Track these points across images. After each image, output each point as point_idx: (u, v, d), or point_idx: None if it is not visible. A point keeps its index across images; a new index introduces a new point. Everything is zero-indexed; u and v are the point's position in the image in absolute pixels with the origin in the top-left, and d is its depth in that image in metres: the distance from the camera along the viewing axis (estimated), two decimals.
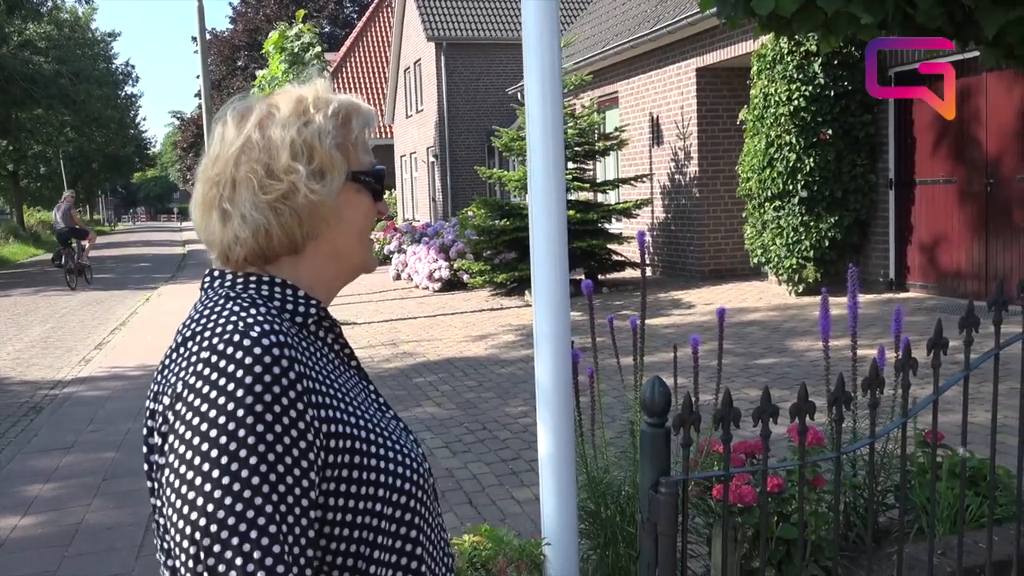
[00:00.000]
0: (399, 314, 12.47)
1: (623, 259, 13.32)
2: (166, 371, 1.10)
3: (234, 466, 0.98)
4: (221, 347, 1.03)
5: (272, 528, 0.98)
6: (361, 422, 1.13)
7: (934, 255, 10.02)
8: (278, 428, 1.01)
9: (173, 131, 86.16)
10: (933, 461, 2.49)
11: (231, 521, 0.97)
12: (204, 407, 1.00)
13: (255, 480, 0.98)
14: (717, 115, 12.98)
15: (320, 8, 47.12)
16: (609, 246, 13.11)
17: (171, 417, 1.04)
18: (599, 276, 13.29)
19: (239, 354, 1.02)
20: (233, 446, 0.98)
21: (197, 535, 0.97)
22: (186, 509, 0.98)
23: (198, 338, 1.07)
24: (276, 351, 1.03)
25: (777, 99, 10.33)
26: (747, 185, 11.05)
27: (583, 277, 12.37)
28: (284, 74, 13.29)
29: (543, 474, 3.03)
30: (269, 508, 0.98)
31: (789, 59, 10.26)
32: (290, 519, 1.00)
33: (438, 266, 14.92)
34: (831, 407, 2.20)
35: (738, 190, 11.52)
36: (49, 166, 47.89)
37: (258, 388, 1.01)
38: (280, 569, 0.97)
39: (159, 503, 1.08)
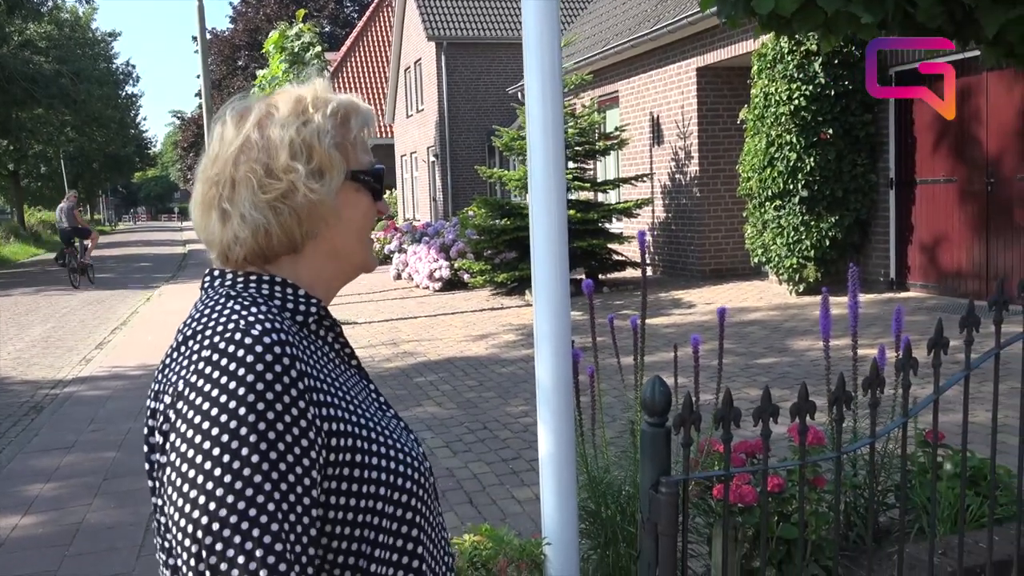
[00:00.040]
0: (400, 314, 12.47)
1: (623, 259, 13.31)
2: (167, 370, 1.10)
3: (236, 464, 0.98)
4: (222, 345, 1.03)
5: (274, 526, 0.98)
6: (362, 421, 1.13)
7: (935, 255, 10.01)
8: (280, 426, 1.01)
9: (173, 131, 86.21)
10: (934, 461, 2.49)
11: (233, 519, 0.96)
12: (206, 405, 1.00)
13: (257, 478, 0.98)
14: (717, 114, 12.97)
15: (320, 8, 47.12)
16: (609, 246, 13.11)
17: (172, 416, 1.04)
18: (599, 276, 13.29)
19: (240, 352, 1.02)
20: (235, 444, 0.98)
21: (199, 533, 0.97)
22: (188, 507, 0.98)
23: (199, 337, 1.07)
24: (277, 349, 1.03)
25: (777, 98, 10.33)
26: (747, 185, 11.04)
27: (583, 277, 12.37)
28: (284, 74, 13.29)
29: (543, 474, 3.03)
30: (271, 506, 0.98)
31: (789, 58, 10.26)
32: (292, 517, 1.00)
33: (438, 266, 14.92)
34: (831, 407, 2.20)
35: (738, 190, 11.52)
36: (50, 166, 47.91)
37: (260, 386, 1.01)
38: (282, 567, 0.97)
39: (160, 502, 1.08)
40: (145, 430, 1.12)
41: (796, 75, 10.21)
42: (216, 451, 0.98)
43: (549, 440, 2.98)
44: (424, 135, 27.68)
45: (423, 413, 6.74)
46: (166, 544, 1.09)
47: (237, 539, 0.96)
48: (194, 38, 45.17)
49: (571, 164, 13.52)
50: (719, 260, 13.20)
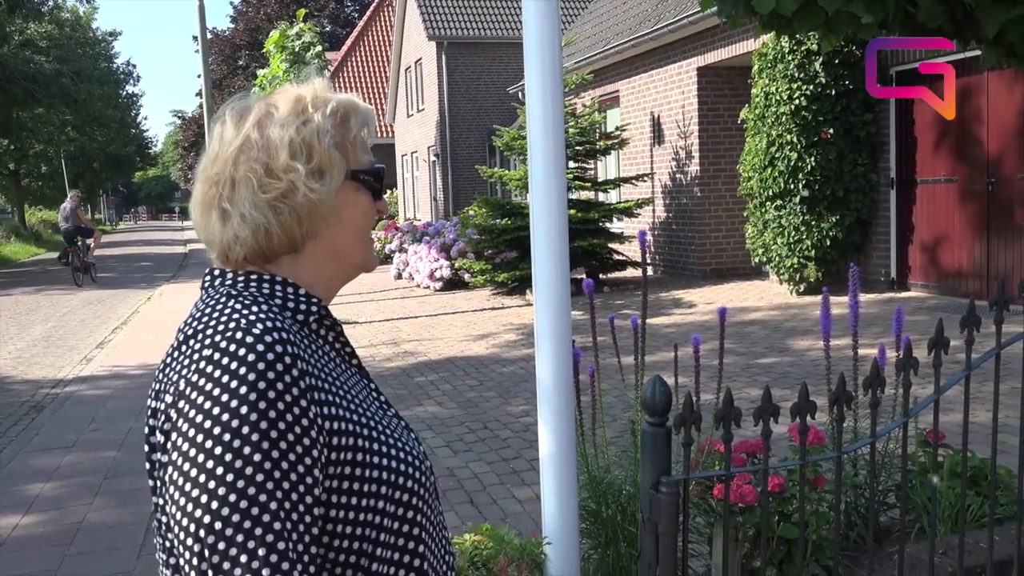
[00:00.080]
0: (400, 313, 12.47)
1: (624, 258, 13.31)
2: (168, 369, 1.10)
3: (238, 463, 0.98)
4: (224, 344, 1.03)
5: (277, 525, 0.98)
6: (363, 420, 1.13)
7: (935, 254, 10.01)
8: (282, 425, 1.01)
9: (174, 130, 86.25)
10: (934, 461, 2.49)
11: (236, 518, 0.97)
12: (208, 404, 1.00)
13: (259, 477, 0.98)
14: (718, 114, 12.97)
15: (321, 7, 47.12)
16: (610, 245, 13.11)
17: (174, 415, 1.04)
18: (600, 275, 13.29)
19: (242, 351, 1.02)
20: (237, 443, 0.98)
21: (201, 532, 0.97)
22: (190, 506, 0.98)
23: (200, 336, 1.07)
24: (279, 348, 1.03)
25: (778, 98, 10.33)
26: (748, 184, 11.04)
27: (584, 276, 12.37)
28: (285, 73, 13.29)
29: (544, 473, 3.03)
30: (274, 505, 0.98)
31: (790, 58, 10.26)
32: (294, 516, 1.00)
33: (439, 265, 14.92)
34: (832, 406, 2.20)
35: (739, 189, 11.52)
36: (50, 165, 47.91)
37: (261, 385, 1.01)
38: (285, 566, 0.97)
39: (161, 501, 1.08)
40: (146, 429, 1.12)
41: (797, 75, 10.20)
42: (218, 450, 0.98)
43: (550, 439, 2.98)
44: (425, 135, 27.68)
45: (424, 412, 6.74)
46: (167, 544, 1.09)
47: (240, 538, 0.96)
48: (195, 38, 45.17)
49: (572, 164, 13.52)
50: (720, 260, 13.20)
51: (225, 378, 1.01)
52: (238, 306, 1.09)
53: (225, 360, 1.02)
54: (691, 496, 2.84)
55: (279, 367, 1.02)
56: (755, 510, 2.86)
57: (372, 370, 8.11)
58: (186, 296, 14.90)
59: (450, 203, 25.43)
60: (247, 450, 0.98)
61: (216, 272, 1.19)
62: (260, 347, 1.03)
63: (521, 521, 4.38)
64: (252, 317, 1.07)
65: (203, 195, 1.17)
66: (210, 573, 0.96)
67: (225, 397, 1.00)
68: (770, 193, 10.62)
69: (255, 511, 0.97)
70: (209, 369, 1.02)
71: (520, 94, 16.81)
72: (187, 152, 63.12)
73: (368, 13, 37.22)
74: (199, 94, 47.28)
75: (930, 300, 9.69)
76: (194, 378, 1.03)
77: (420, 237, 17.23)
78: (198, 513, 0.97)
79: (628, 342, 3.46)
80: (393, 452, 1.14)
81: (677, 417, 2.05)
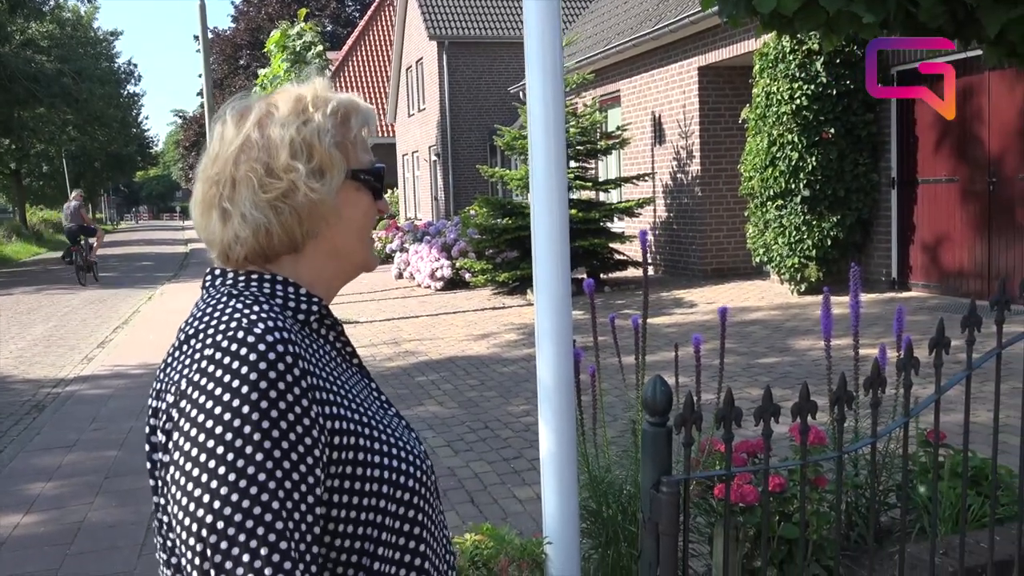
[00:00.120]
0: (401, 313, 12.47)
1: (625, 258, 13.31)
2: (169, 369, 1.10)
3: (240, 462, 0.98)
4: (225, 344, 1.03)
5: (279, 524, 0.98)
6: (364, 419, 1.13)
7: (936, 254, 10.01)
8: (283, 424, 1.01)
9: (175, 130, 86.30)
10: (935, 461, 2.49)
11: (238, 518, 0.97)
12: (209, 404, 1.00)
13: (261, 476, 0.98)
14: (719, 114, 12.97)
15: (322, 7, 47.12)
16: (611, 245, 13.11)
17: (175, 414, 1.04)
18: (601, 275, 13.29)
19: (243, 351, 1.02)
20: (239, 442, 0.98)
21: (204, 532, 0.97)
22: (192, 506, 0.98)
23: (201, 335, 1.07)
24: (280, 347, 1.03)
25: (779, 98, 10.33)
26: (749, 184, 11.04)
27: (585, 276, 12.37)
28: (286, 73, 13.30)
29: (545, 473, 3.03)
30: (276, 504, 0.98)
31: (791, 58, 10.25)
32: (296, 516, 1.00)
33: (440, 265, 14.92)
34: (833, 406, 2.20)
35: (740, 189, 11.52)
36: (52, 165, 47.92)
37: (263, 384, 1.01)
38: (287, 565, 0.97)
39: (162, 501, 1.08)
40: (147, 429, 1.12)
41: (798, 74, 10.20)
42: (220, 449, 0.98)
43: (550, 439, 2.98)
44: (426, 134, 27.68)
45: (424, 412, 6.74)
46: (168, 543, 1.09)
47: (242, 537, 0.96)
48: (196, 37, 45.21)
49: (573, 163, 13.52)
50: (721, 260, 13.20)
51: (227, 377, 1.01)
52: (239, 306, 1.09)
53: (227, 360, 1.02)
54: (692, 496, 2.84)
55: (280, 367, 1.02)
56: (756, 510, 2.86)
57: (373, 369, 8.11)
58: (187, 296, 14.90)
59: (451, 203, 25.44)
60: (249, 449, 0.98)
61: (217, 272, 1.19)
62: (262, 347, 1.03)
63: (522, 521, 4.38)
64: (253, 317, 1.07)
65: (204, 195, 1.17)
66: (212, 572, 0.96)
67: (227, 396, 1.00)
68: (771, 193, 10.62)
69: (257, 510, 0.97)
70: (211, 369, 1.02)
71: (521, 94, 16.81)
72: (188, 152, 63.18)
73: (369, 13, 37.22)
74: (200, 94, 47.33)
75: (931, 300, 9.69)
76: (196, 377, 1.03)
77: (421, 237, 17.23)
78: (200, 512, 0.97)
79: (629, 342, 3.46)
80: (394, 452, 1.15)
81: (678, 417, 2.05)
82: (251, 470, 0.98)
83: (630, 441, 3.46)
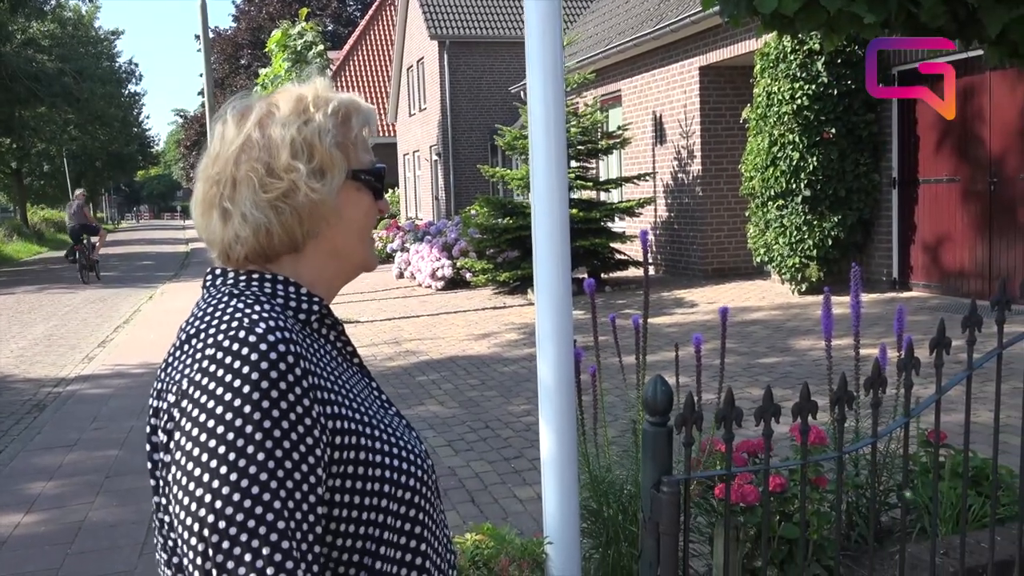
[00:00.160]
0: (402, 312, 12.47)
1: (626, 258, 13.31)
2: (170, 368, 1.10)
3: (242, 462, 0.98)
4: (227, 344, 1.03)
5: (281, 524, 0.98)
6: (365, 418, 1.13)
7: (937, 254, 10.01)
8: (285, 424, 1.01)
9: (176, 129, 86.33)
10: (935, 461, 2.49)
11: (240, 517, 0.97)
12: (211, 403, 1.00)
13: (263, 476, 0.98)
14: (720, 114, 12.97)
15: (323, 6, 47.13)
16: (612, 245, 13.11)
17: (177, 414, 1.04)
18: (602, 275, 13.29)
19: (245, 350, 1.02)
20: (241, 442, 0.98)
21: (206, 531, 0.97)
22: (194, 506, 0.98)
23: (203, 335, 1.07)
24: (282, 347, 1.03)
25: (780, 98, 10.32)
26: (750, 184, 11.04)
27: (586, 276, 12.37)
28: (287, 72, 13.31)
29: (545, 473, 3.03)
30: (277, 504, 0.98)
31: (792, 58, 10.25)
32: (298, 515, 1.00)
33: (441, 264, 14.92)
34: (833, 406, 2.20)
35: (741, 189, 11.52)
36: (53, 164, 47.94)
37: (265, 384, 1.01)
38: (289, 565, 0.97)
39: (164, 501, 1.08)
40: (148, 429, 1.12)
41: (799, 74, 10.20)
42: (222, 449, 0.98)
43: (551, 439, 2.98)
44: (426, 134, 27.68)
45: (425, 412, 6.74)
46: (169, 543, 1.10)
47: (244, 537, 0.96)
48: (197, 37, 45.19)
49: (573, 163, 13.52)
50: (721, 259, 13.20)
51: (228, 377, 1.01)
52: (240, 305, 1.09)
53: (228, 359, 1.02)
54: (692, 496, 2.84)
55: (282, 366, 1.02)
56: (756, 510, 2.86)
57: (374, 369, 8.11)
58: (188, 295, 14.91)
59: (452, 202, 25.44)
60: (251, 449, 0.98)
61: (217, 271, 1.19)
62: (263, 346, 1.03)
63: (522, 520, 4.38)
64: (255, 316, 1.07)
65: (204, 194, 1.17)
66: (214, 572, 0.96)
67: (228, 396, 1.00)
68: (772, 193, 10.62)
69: (259, 510, 0.97)
70: (212, 368, 1.02)
71: (522, 93, 16.81)
72: (189, 151, 63.17)
73: (370, 12, 37.21)
74: (201, 93, 47.34)
75: (932, 300, 9.68)
76: (197, 377, 1.03)
77: (422, 236, 17.23)
78: (202, 512, 0.97)
79: (629, 342, 3.46)
80: (395, 451, 1.15)
81: (678, 417, 2.05)
82: (253, 469, 0.98)
83: (631, 441, 3.46)
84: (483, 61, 25.32)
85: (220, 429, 0.99)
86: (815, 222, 10.37)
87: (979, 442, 4.13)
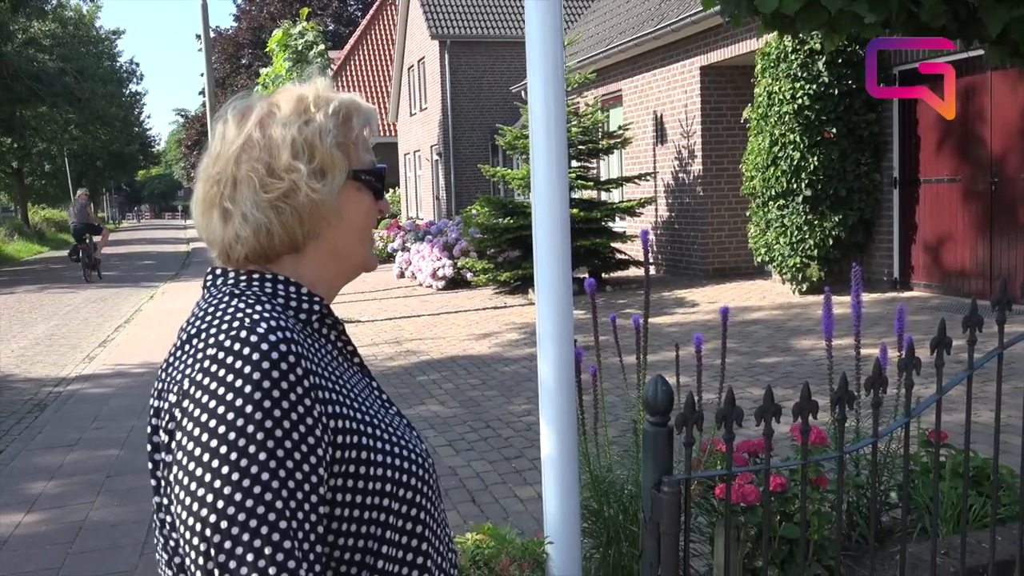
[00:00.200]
0: (403, 312, 12.47)
1: (627, 258, 13.31)
2: (171, 368, 1.10)
3: (244, 462, 0.98)
4: (228, 343, 1.03)
5: (283, 524, 0.98)
6: (366, 419, 1.13)
7: (938, 254, 10.00)
8: (287, 424, 1.01)
9: (177, 129, 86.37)
10: (936, 461, 2.49)
11: (242, 517, 0.97)
12: (212, 403, 1.01)
13: (265, 476, 0.98)
14: (721, 113, 12.96)
15: (324, 6, 47.13)
16: (613, 244, 13.11)
17: (178, 414, 1.04)
18: (603, 275, 13.29)
19: (246, 350, 1.02)
20: (242, 442, 0.99)
21: (208, 531, 0.97)
22: (196, 506, 0.98)
23: (204, 335, 1.07)
24: (283, 347, 1.03)
25: (781, 97, 10.32)
26: (751, 184, 11.03)
27: (586, 275, 12.37)
28: (288, 72, 13.31)
29: (546, 473, 3.03)
30: (279, 504, 0.98)
31: (793, 57, 10.25)
32: (300, 515, 1.00)
33: (442, 264, 14.92)
34: (834, 406, 2.20)
35: (742, 189, 11.51)
36: (54, 164, 47.95)
37: (266, 384, 1.01)
38: (291, 564, 0.97)
39: (166, 501, 1.08)
40: (148, 429, 1.12)
41: (800, 74, 10.19)
42: (224, 449, 0.98)
43: (551, 439, 2.98)
44: (427, 133, 27.69)
45: (426, 412, 6.74)
46: (170, 544, 1.10)
47: (246, 536, 0.96)
48: (198, 36, 45.18)
49: (574, 163, 13.52)
50: (722, 259, 13.20)
51: (230, 377, 1.01)
52: (241, 305, 1.09)
53: (230, 359, 1.02)
54: (693, 496, 2.84)
55: (283, 366, 1.02)
56: (757, 510, 2.86)
57: (374, 369, 8.11)
58: (188, 295, 14.92)
59: (452, 202, 25.44)
60: (252, 449, 0.98)
61: (218, 271, 1.19)
62: (264, 346, 1.03)
63: (523, 520, 4.38)
64: (256, 316, 1.07)
65: (205, 194, 1.18)
66: (216, 572, 0.96)
67: (230, 396, 1.00)
68: (773, 192, 10.61)
69: (261, 509, 0.97)
70: (214, 368, 1.02)
71: (523, 93, 16.81)
72: (190, 151, 63.18)
73: (371, 12, 37.22)
74: (202, 93, 47.35)
75: (933, 300, 9.68)
76: (199, 377, 1.03)
77: (422, 236, 17.23)
78: (204, 512, 0.97)
79: (630, 341, 3.46)
80: (397, 451, 1.15)
81: (679, 417, 2.05)
82: (254, 469, 0.98)
83: (631, 441, 3.46)
84: (484, 61, 25.32)
85: (222, 429, 0.99)
86: (816, 222, 10.36)
87: (980, 442, 4.13)
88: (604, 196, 14.86)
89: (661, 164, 14.08)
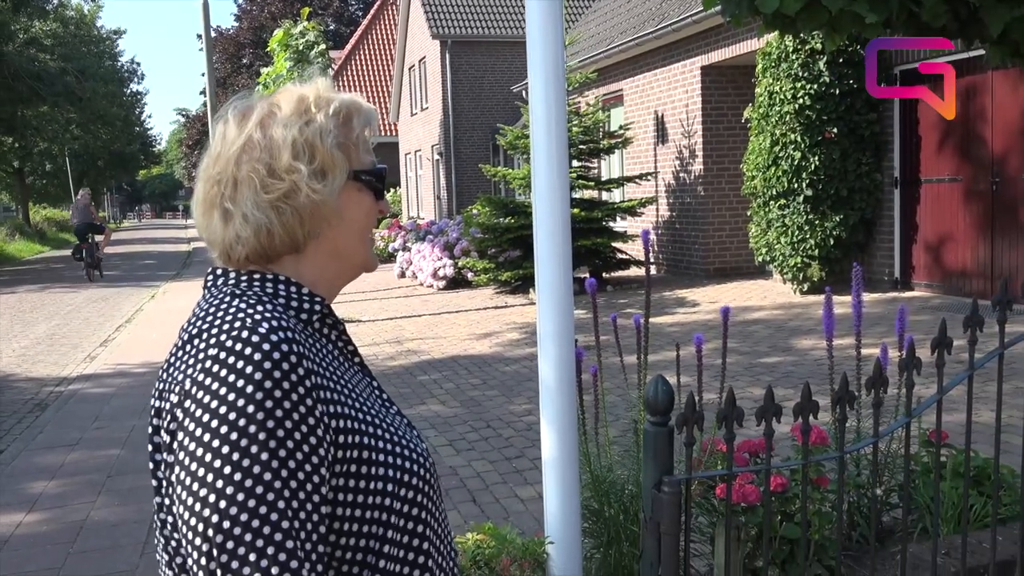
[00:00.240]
0: (403, 312, 12.48)
1: (627, 257, 13.30)
2: (172, 369, 1.10)
3: (246, 462, 0.98)
4: (230, 344, 1.03)
5: (285, 524, 0.98)
6: (368, 417, 1.13)
7: (939, 254, 10.00)
8: (289, 424, 1.01)
9: (178, 128, 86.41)
10: (937, 461, 2.49)
11: (244, 517, 0.97)
12: (215, 403, 1.01)
13: (267, 476, 0.98)
14: (722, 113, 12.96)
15: (325, 6, 47.14)
16: (613, 244, 13.10)
17: (180, 414, 1.04)
18: (603, 274, 13.28)
19: (248, 350, 1.02)
20: (245, 442, 0.99)
21: (210, 531, 0.97)
22: (198, 506, 0.98)
23: (205, 335, 1.07)
24: (285, 347, 1.04)
25: (782, 97, 10.32)
26: (752, 183, 11.03)
27: (587, 275, 12.38)
28: (289, 72, 13.32)
29: (546, 473, 3.03)
30: (281, 504, 0.98)
31: (794, 57, 10.25)
32: (302, 515, 1.00)
33: (442, 264, 14.92)
34: (835, 406, 2.19)
35: (743, 188, 11.51)
36: (55, 163, 47.96)
37: (268, 384, 1.01)
38: (294, 564, 0.97)
39: (167, 501, 1.08)
40: (150, 429, 1.12)
41: (801, 74, 10.19)
42: (226, 449, 0.99)
43: (552, 439, 2.98)
44: (428, 133, 27.69)
45: (426, 411, 6.74)
46: (171, 544, 1.10)
47: (249, 536, 0.96)
48: (199, 36, 45.17)
49: (575, 163, 13.52)
50: (723, 259, 13.19)
51: (232, 377, 1.01)
52: (243, 305, 1.10)
53: (231, 359, 1.02)
54: (693, 496, 2.84)
55: (285, 366, 1.02)
56: (757, 510, 2.86)
57: (375, 368, 8.11)
58: (189, 294, 14.93)
59: (453, 202, 25.44)
60: (254, 449, 0.99)
61: (218, 271, 1.19)
62: (266, 346, 1.03)
63: (524, 520, 4.39)
64: (257, 316, 1.07)
65: (205, 194, 1.18)
66: (219, 572, 0.97)
67: (232, 396, 1.00)
68: (774, 192, 10.61)
69: (263, 510, 0.97)
70: (215, 368, 1.02)
71: (524, 93, 16.81)
72: (191, 150, 63.20)
73: (372, 12, 37.22)
74: (203, 92, 47.34)
75: (934, 300, 9.68)
76: (200, 378, 1.03)
77: (423, 236, 17.24)
78: (206, 512, 0.97)
79: (631, 341, 3.46)
80: (398, 450, 1.15)
81: (679, 417, 2.05)
82: (257, 469, 0.98)
83: (632, 441, 3.46)
84: (485, 60, 25.32)
85: (224, 429, 0.99)
86: (817, 222, 10.36)
87: (981, 442, 4.12)
88: (605, 196, 14.86)
89: (662, 164, 14.08)
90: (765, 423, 2.07)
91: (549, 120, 2.85)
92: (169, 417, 1.06)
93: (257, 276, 1.16)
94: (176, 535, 1.07)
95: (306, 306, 1.16)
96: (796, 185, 10.34)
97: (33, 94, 32.88)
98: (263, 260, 1.17)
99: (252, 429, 0.99)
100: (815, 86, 10.10)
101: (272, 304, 1.12)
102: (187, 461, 1.01)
